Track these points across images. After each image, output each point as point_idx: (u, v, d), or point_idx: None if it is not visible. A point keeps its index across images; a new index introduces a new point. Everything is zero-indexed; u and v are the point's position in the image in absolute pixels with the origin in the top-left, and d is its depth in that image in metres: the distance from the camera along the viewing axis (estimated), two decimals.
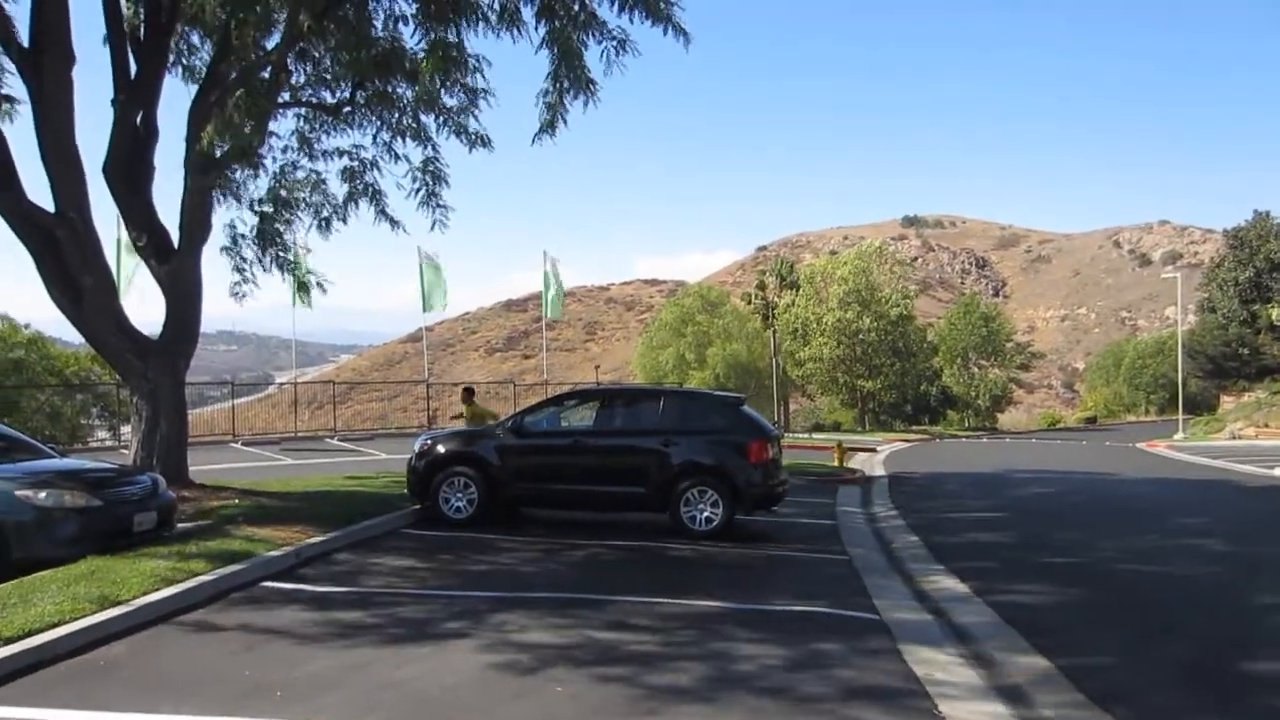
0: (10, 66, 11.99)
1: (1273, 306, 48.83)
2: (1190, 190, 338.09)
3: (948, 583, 9.49)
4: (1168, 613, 8.37)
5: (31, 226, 11.95)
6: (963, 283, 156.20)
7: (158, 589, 7.40)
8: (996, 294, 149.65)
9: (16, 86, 12.20)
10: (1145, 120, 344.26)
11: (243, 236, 14.49)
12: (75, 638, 6.29)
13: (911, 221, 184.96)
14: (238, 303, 14.69)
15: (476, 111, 13.84)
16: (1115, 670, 6.55)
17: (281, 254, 14.79)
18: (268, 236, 14.45)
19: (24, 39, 11.71)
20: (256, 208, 14.45)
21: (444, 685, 5.70)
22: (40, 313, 18.50)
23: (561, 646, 6.58)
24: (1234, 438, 40.30)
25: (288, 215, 14.77)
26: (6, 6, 11.70)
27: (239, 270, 14.61)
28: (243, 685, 5.63)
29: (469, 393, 16.57)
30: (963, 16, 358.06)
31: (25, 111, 11.99)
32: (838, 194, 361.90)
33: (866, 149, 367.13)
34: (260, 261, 14.64)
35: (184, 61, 14.40)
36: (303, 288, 15.25)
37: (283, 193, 14.64)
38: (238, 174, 13.85)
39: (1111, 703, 5.71)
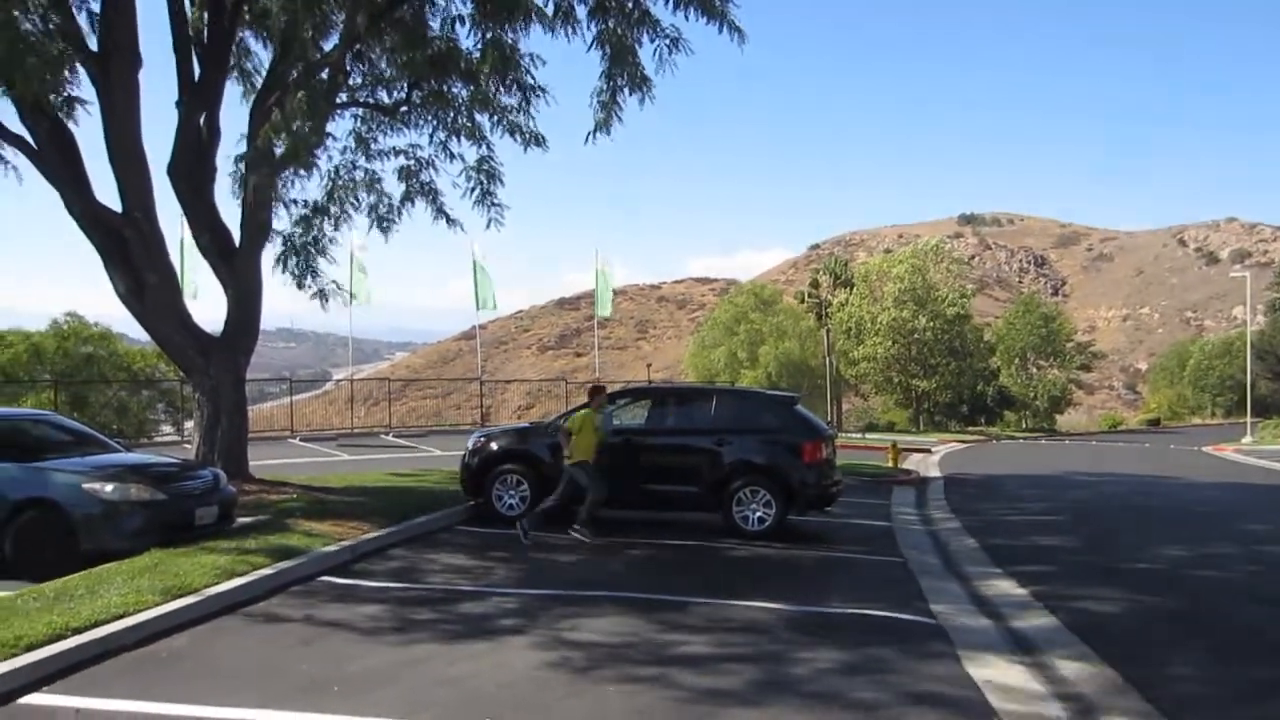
0: (80, 69, 12.31)
1: None
2: (1259, 186, 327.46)
3: (1006, 587, 9.30)
4: (1236, 622, 8.11)
5: (99, 226, 12.30)
6: (1021, 281, 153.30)
7: (218, 582, 7.54)
8: (1055, 293, 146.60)
9: (85, 89, 12.56)
10: (1212, 114, 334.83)
11: (283, 235, 14.47)
12: (139, 629, 6.44)
13: (968, 219, 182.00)
14: (278, 302, 14.46)
15: (531, 111, 13.88)
16: (1183, 681, 6.34)
17: (309, 259, 14.56)
18: (305, 240, 14.33)
19: (93, 43, 12.03)
20: (301, 210, 14.46)
21: (498, 682, 5.72)
22: (108, 310, 18.98)
23: (615, 646, 6.56)
24: None
25: (335, 218, 14.72)
26: (75, 12, 12.03)
27: (282, 268, 14.50)
28: (300, 679, 5.70)
29: (597, 391, 12.25)
30: (1024, 10, 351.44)
31: (94, 113, 12.32)
32: (892, 191, 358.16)
33: (922, 146, 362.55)
34: (284, 263, 14.40)
35: (242, 65, 14.68)
36: (321, 294, 15.06)
37: (339, 193, 14.80)
38: (292, 174, 14.02)
39: (1180, 714, 5.53)
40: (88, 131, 12.94)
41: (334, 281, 15.08)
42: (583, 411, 11.47)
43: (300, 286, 14.23)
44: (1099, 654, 6.77)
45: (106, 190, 12.34)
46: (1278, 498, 19.21)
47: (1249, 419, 46.36)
